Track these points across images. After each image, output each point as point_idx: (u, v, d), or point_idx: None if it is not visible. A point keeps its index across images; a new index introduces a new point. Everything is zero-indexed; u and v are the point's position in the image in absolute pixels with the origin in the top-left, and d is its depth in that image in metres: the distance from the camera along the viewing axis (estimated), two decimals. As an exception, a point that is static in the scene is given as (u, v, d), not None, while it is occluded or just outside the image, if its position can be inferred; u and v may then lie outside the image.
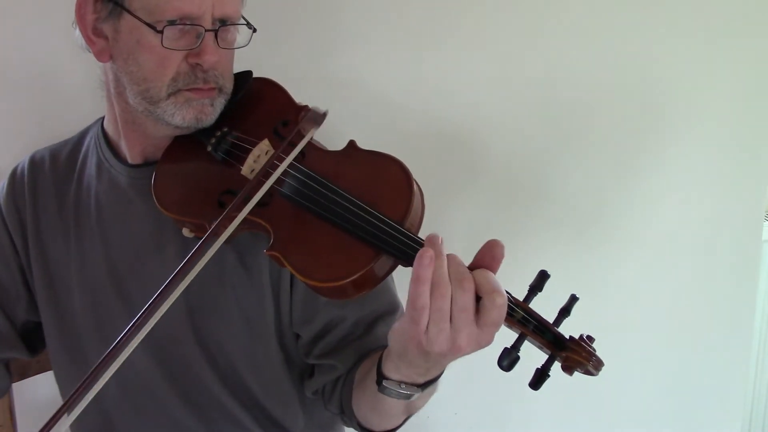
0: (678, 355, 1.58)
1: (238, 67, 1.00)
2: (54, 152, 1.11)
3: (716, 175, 1.52)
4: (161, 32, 0.86)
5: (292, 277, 0.97)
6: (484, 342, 0.71)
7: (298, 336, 1.02)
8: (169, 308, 0.99)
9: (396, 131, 1.36)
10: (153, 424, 1.04)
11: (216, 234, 0.82)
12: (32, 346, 1.13)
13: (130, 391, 1.03)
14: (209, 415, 1.03)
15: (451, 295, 0.69)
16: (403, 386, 0.79)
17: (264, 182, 0.84)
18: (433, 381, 0.81)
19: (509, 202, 1.45)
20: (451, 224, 1.38)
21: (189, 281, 0.79)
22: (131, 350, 0.76)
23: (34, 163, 1.10)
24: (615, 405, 1.57)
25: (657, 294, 1.54)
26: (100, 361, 0.75)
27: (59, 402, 1.31)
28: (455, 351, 0.70)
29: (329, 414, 1.06)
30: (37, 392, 1.17)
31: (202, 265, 0.80)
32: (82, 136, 1.12)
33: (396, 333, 0.77)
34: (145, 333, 0.77)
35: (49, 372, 1.17)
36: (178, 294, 0.78)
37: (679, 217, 1.52)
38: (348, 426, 1.02)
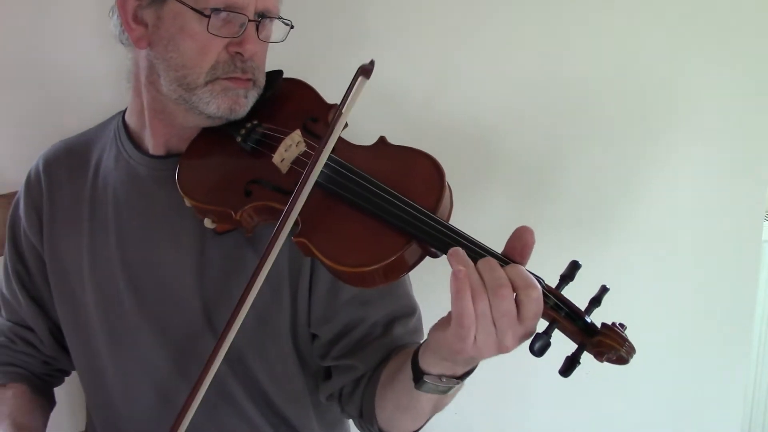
0: (677, 355, 1.58)
1: (267, 68, 1.01)
2: (69, 144, 1.12)
3: (716, 175, 1.52)
4: (209, 17, 0.88)
5: (311, 276, 0.97)
6: (528, 334, 0.72)
7: (313, 337, 1.02)
8: (186, 304, 0.99)
9: (420, 129, 1.36)
10: (157, 415, 1.04)
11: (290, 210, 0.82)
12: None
13: (143, 385, 1.03)
14: (218, 409, 1.02)
15: (490, 303, 0.70)
16: (444, 379, 0.79)
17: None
18: (472, 370, 0.81)
19: (524, 200, 1.47)
20: (476, 220, 1.39)
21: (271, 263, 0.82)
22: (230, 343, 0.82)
23: (47, 157, 1.11)
24: (614, 405, 1.57)
25: (656, 294, 1.54)
26: (212, 352, 0.82)
27: (60, 402, 1.32)
28: (503, 351, 0.72)
29: (340, 415, 1.05)
30: (38, 392, 1.17)
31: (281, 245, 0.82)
32: (99, 130, 1.12)
33: (440, 345, 0.76)
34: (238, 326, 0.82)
35: (49, 372, 1.17)
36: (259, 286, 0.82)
37: (679, 217, 1.52)
38: (362, 430, 1.01)
